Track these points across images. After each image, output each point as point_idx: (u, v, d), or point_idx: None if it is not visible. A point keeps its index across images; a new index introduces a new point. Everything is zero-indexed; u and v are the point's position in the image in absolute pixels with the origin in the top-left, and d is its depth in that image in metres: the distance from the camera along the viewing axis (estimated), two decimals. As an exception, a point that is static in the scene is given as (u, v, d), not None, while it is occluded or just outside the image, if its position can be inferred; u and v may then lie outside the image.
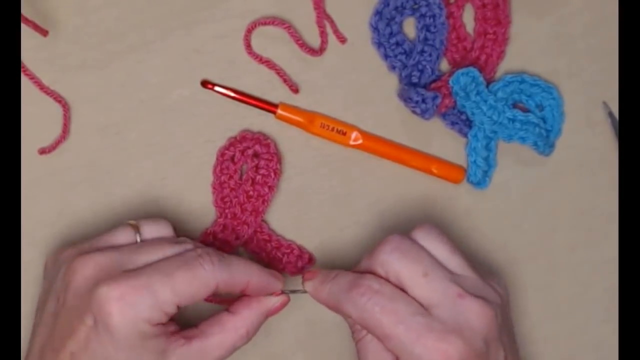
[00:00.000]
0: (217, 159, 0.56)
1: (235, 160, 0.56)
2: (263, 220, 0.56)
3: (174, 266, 0.48)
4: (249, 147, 0.56)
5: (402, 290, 0.48)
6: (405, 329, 0.47)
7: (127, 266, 0.48)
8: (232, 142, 0.56)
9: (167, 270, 0.47)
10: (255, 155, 0.56)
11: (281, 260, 0.56)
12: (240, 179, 0.56)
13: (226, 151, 0.56)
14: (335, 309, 0.50)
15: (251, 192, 0.55)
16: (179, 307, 0.48)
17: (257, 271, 0.51)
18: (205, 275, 0.48)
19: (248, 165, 0.56)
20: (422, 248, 0.49)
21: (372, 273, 0.49)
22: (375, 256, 0.49)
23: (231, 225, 0.56)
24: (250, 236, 0.56)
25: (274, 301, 0.51)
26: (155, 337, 0.47)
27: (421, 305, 0.48)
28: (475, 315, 0.47)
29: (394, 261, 0.48)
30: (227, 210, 0.56)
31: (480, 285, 0.49)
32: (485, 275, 0.51)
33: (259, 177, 0.55)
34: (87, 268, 0.47)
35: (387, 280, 0.49)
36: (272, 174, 0.56)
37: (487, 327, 0.47)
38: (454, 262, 0.49)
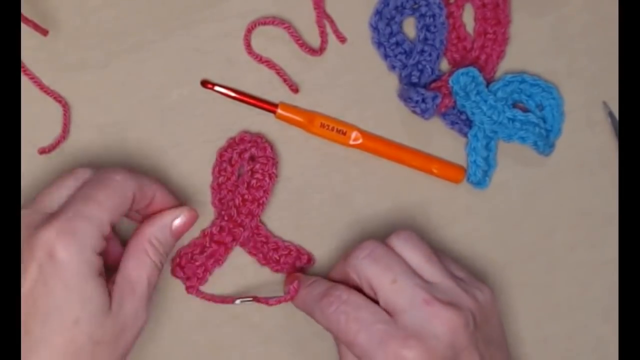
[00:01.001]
0: (216, 159, 0.56)
1: (233, 162, 0.56)
2: (260, 222, 0.56)
3: (89, 189, 0.48)
4: (245, 150, 0.56)
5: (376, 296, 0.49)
6: (367, 336, 0.47)
7: (47, 211, 0.48)
8: (230, 144, 0.56)
9: (87, 195, 0.47)
10: (252, 158, 0.56)
11: (278, 261, 0.56)
12: (237, 181, 0.56)
13: (224, 152, 0.56)
14: (309, 315, 0.51)
15: (246, 195, 0.55)
16: (111, 227, 0.48)
17: (162, 185, 0.52)
18: (120, 185, 0.48)
19: (244, 168, 0.56)
20: (395, 255, 0.50)
21: (347, 277, 0.50)
22: (349, 261, 0.50)
23: (227, 226, 0.56)
24: (247, 237, 0.56)
25: (177, 213, 0.51)
26: (101, 269, 0.46)
27: (388, 312, 0.48)
28: (440, 321, 0.47)
29: (365, 267, 0.49)
30: (224, 212, 0.56)
31: (455, 292, 0.49)
32: (470, 281, 0.51)
33: (254, 180, 0.55)
34: (50, 230, 0.46)
35: (361, 285, 0.50)
36: (267, 178, 0.55)
37: (453, 335, 0.47)
38: (430, 270, 0.50)
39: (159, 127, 0.57)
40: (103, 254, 0.48)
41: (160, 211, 0.52)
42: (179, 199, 0.54)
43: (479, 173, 0.57)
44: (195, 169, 0.57)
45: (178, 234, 0.52)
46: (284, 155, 0.57)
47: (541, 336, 0.58)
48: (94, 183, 0.48)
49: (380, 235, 0.57)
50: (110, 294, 0.47)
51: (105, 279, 0.47)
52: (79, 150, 0.56)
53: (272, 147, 0.56)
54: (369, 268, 0.49)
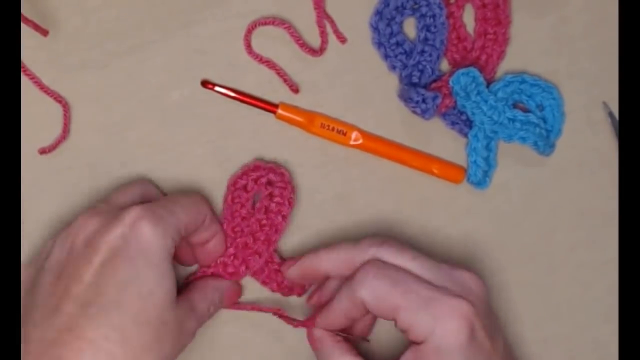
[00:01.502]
0: (228, 188, 0.55)
1: (248, 188, 0.55)
2: (275, 250, 0.56)
3: (174, 195, 0.53)
4: (262, 176, 0.55)
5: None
6: (416, 296, 0.48)
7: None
8: (245, 171, 0.55)
9: (172, 198, 0.52)
10: (269, 183, 0.55)
11: (292, 289, 0.56)
12: (253, 208, 0.55)
13: (239, 180, 0.55)
14: (350, 304, 0.50)
15: (264, 221, 0.54)
16: (182, 236, 0.50)
17: (222, 232, 0.55)
18: (199, 202, 0.52)
19: (262, 194, 0.55)
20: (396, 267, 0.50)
21: (357, 303, 0.50)
22: (359, 284, 0.50)
23: (242, 255, 0.55)
24: (261, 266, 0.55)
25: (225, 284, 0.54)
26: (172, 264, 0.49)
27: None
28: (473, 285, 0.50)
29: (382, 286, 0.49)
30: (238, 240, 0.54)
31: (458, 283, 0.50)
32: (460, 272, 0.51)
33: (273, 205, 0.54)
34: (92, 219, 0.49)
35: (378, 304, 0.49)
36: (287, 203, 0.54)
37: (484, 299, 0.49)
38: (422, 268, 0.50)
39: (159, 127, 0.57)
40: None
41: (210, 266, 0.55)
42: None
43: (479, 173, 0.57)
44: (196, 169, 0.57)
45: (222, 304, 0.54)
46: (284, 155, 0.57)
47: (541, 336, 0.58)
48: (178, 194, 0.54)
49: (379, 235, 0.57)
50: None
51: None
52: (79, 150, 0.56)
53: (289, 173, 0.55)
54: (381, 288, 0.49)
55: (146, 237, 0.47)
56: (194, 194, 0.54)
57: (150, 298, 0.47)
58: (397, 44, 0.58)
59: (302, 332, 0.56)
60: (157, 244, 0.47)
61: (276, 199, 0.54)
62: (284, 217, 0.55)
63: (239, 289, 0.56)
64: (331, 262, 0.52)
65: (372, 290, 0.49)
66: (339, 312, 0.51)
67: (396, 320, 0.49)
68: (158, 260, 0.47)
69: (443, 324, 0.47)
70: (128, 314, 0.46)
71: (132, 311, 0.46)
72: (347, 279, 0.51)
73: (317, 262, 0.53)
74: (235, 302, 0.55)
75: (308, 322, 0.53)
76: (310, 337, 0.53)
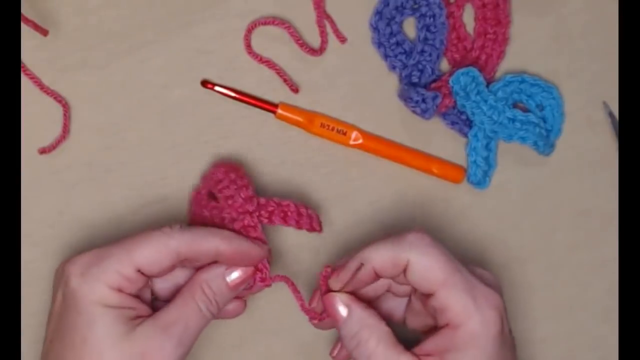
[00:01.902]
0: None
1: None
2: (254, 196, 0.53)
3: (135, 236, 0.49)
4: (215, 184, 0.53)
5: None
6: (463, 277, 0.47)
7: None
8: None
9: (127, 239, 0.49)
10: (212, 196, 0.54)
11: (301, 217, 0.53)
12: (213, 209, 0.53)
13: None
14: (389, 263, 0.48)
15: (227, 211, 0.52)
16: (144, 275, 0.48)
17: (227, 236, 0.50)
18: (162, 237, 0.48)
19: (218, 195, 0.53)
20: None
21: (398, 264, 0.48)
22: (410, 245, 0.48)
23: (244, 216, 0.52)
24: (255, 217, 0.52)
25: (237, 274, 0.50)
26: (119, 306, 0.47)
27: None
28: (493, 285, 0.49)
29: (437, 255, 0.48)
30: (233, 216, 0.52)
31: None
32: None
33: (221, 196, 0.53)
34: (74, 264, 0.48)
35: (424, 273, 0.48)
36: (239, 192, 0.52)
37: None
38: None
39: (159, 127, 0.57)
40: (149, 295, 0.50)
41: (233, 260, 0.50)
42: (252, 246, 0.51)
43: (479, 173, 0.57)
44: (195, 169, 0.57)
45: (234, 288, 0.50)
46: (284, 155, 0.57)
47: (541, 336, 0.58)
48: (142, 232, 0.49)
49: (379, 235, 0.57)
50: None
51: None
52: (79, 150, 0.56)
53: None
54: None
55: (71, 288, 0.47)
56: (160, 229, 0.49)
57: (83, 346, 0.46)
58: (397, 43, 0.58)
59: (302, 331, 0.56)
60: (82, 291, 0.47)
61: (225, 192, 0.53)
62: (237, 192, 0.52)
63: (249, 270, 0.50)
64: (379, 259, 0.48)
65: (423, 256, 0.47)
66: (369, 272, 0.48)
67: (433, 296, 0.47)
68: (84, 306, 0.47)
69: (482, 311, 0.46)
70: None
71: None
72: (389, 237, 0.49)
73: (366, 261, 0.49)
74: (244, 282, 0.51)
75: (322, 285, 0.49)
76: (330, 304, 0.49)
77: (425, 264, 0.47)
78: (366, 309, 0.49)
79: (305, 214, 0.53)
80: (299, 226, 0.53)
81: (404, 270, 0.48)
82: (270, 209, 0.52)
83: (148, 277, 0.49)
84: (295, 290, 0.51)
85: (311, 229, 0.53)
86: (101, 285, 0.47)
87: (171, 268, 0.49)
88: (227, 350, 0.57)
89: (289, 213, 0.52)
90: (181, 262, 0.49)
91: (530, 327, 0.58)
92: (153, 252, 0.48)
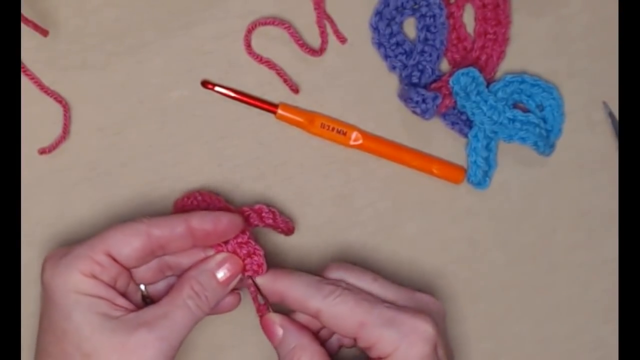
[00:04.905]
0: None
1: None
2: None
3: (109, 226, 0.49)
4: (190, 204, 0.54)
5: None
6: (380, 313, 0.48)
7: None
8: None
9: (101, 230, 0.49)
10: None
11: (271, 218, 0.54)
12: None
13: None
14: (303, 306, 0.50)
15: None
16: (117, 261, 0.48)
17: (198, 213, 0.50)
18: (133, 222, 0.49)
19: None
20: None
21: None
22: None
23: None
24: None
25: (217, 259, 0.50)
26: (95, 295, 0.47)
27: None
28: (431, 304, 0.51)
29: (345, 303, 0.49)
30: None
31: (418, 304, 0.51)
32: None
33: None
34: (48, 259, 0.49)
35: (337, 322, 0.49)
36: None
37: (442, 320, 0.51)
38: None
39: (159, 127, 0.57)
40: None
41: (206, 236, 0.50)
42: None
43: (479, 173, 0.58)
44: (195, 169, 0.57)
45: (225, 283, 0.51)
46: (284, 155, 0.57)
47: (541, 336, 0.58)
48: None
49: (379, 235, 0.57)
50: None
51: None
52: (79, 150, 0.56)
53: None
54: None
55: (46, 281, 0.47)
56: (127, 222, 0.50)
57: (64, 339, 0.46)
58: (397, 44, 0.58)
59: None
60: (55, 283, 0.47)
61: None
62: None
63: (236, 264, 0.51)
64: (294, 293, 0.50)
65: (333, 307, 0.49)
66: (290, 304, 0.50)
67: (358, 339, 0.49)
68: (59, 297, 0.47)
69: (409, 340, 0.47)
70: (50, 358, 0.47)
71: (53, 355, 0.47)
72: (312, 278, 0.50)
73: (281, 288, 0.51)
74: (235, 277, 0.51)
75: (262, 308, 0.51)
76: (266, 325, 0.51)
77: (335, 313, 0.49)
78: (300, 329, 0.50)
79: (280, 218, 0.54)
80: (275, 225, 0.54)
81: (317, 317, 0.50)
82: (246, 213, 0.53)
83: (123, 266, 0.49)
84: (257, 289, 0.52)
85: (287, 231, 0.55)
86: (73, 272, 0.47)
87: (145, 253, 0.49)
88: (227, 350, 0.57)
89: (263, 214, 0.53)
90: (156, 248, 0.49)
91: (530, 327, 0.58)
92: (123, 235, 0.48)
